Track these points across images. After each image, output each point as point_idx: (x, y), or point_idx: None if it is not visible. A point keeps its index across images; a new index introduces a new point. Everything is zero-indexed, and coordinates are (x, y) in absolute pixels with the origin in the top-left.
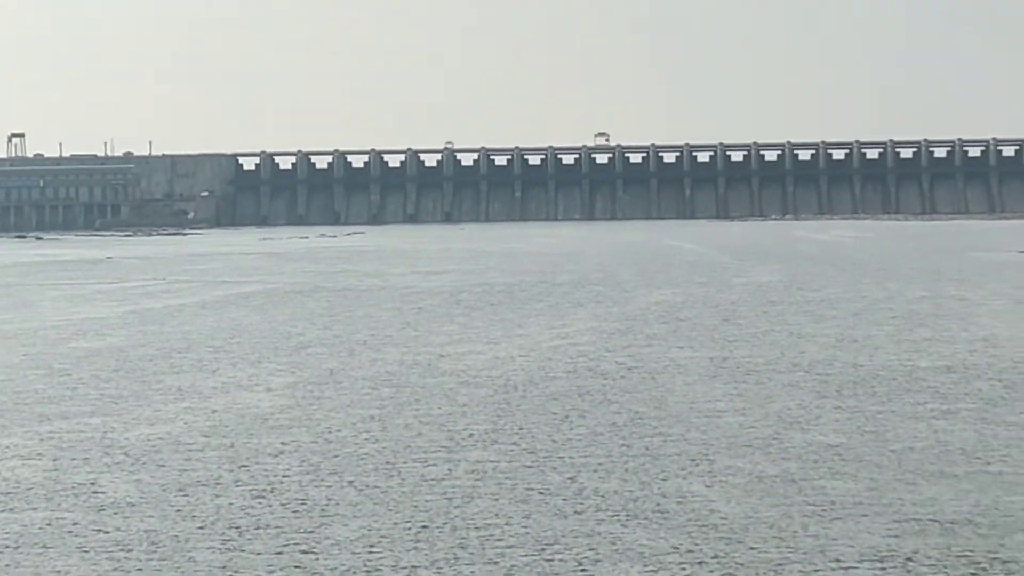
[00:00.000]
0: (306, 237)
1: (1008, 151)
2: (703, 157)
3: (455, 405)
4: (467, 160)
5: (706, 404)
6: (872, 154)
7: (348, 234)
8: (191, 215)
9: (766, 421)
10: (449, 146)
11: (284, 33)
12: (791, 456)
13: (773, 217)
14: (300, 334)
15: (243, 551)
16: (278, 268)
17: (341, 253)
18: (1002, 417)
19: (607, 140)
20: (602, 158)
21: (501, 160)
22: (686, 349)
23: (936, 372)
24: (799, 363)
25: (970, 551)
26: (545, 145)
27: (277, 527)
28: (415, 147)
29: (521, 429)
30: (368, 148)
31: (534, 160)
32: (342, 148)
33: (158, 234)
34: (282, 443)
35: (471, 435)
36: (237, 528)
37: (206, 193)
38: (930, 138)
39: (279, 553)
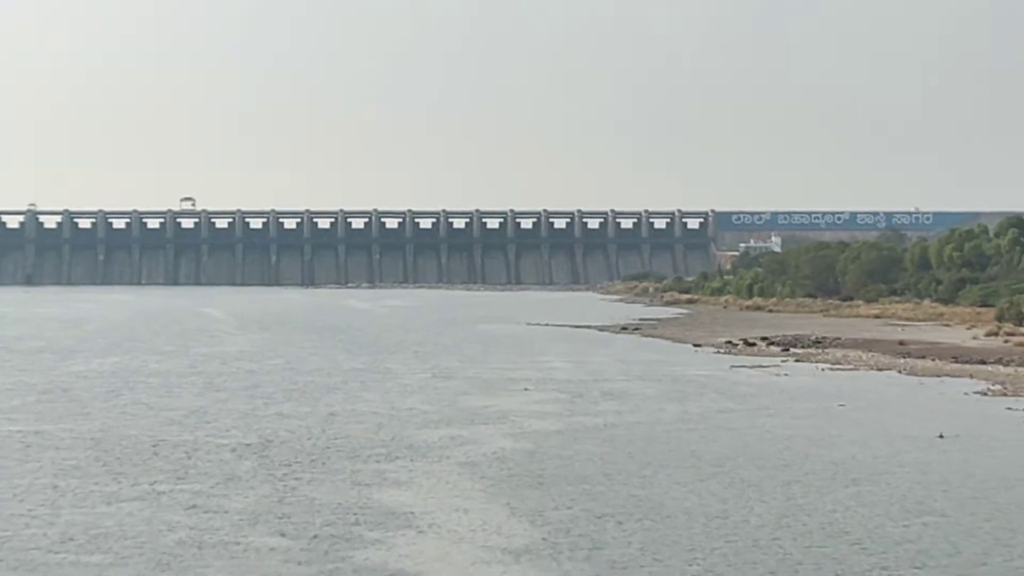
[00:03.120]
0: None
1: (593, 223)
2: (290, 224)
3: None
4: (50, 222)
5: None
6: (459, 224)
7: None
8: None
9: None
10: (32, 207)
11: None
12: None
13: (351, 285)
14: None
15: None
16: None
17: None
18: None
19: (193, 205)
20: (188, 223)
21: (85, 223)
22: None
23: (204, 448)
24: (94, 437)
25: None
26: (130, 208)
27: None
28: None
29: None
30: None
31: (119, 223)
32: None
33: None
34: None
35: None
36: None
37: None
38: (517, 209)
39: None
